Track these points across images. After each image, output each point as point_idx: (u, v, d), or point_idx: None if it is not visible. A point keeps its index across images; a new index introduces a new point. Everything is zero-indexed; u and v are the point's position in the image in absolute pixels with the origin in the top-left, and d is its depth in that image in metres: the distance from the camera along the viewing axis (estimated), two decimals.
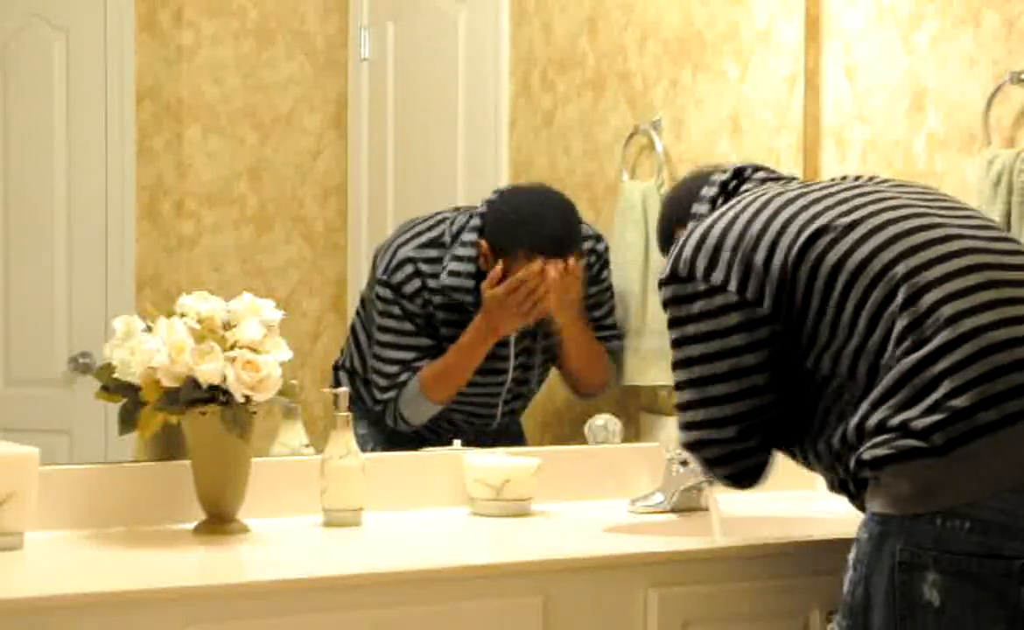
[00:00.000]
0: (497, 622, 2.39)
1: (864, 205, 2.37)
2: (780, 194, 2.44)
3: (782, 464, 2.80)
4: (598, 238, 3.33)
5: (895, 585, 2.18)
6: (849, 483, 2.30)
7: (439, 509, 2.86)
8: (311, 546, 2.57)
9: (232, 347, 2.49)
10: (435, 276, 3.14)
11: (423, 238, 3.17)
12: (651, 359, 3.37)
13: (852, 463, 2.25)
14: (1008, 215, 2.90)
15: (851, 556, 2.26)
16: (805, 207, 2.38)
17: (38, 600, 2.14)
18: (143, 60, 3.10)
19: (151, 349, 2.47)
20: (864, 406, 2.24)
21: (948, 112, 3.13)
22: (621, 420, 3.22)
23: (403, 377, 3.11)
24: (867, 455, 2.21)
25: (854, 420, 2.25)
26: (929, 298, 2.23)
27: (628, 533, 2.73)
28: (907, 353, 2.21)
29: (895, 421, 2.19)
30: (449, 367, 3.15)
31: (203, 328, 2.50)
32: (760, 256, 2.36)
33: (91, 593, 2.17)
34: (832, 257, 2.31)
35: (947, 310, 2.21)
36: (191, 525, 2.59)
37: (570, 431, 3.33)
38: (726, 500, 2.81)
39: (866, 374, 2.27)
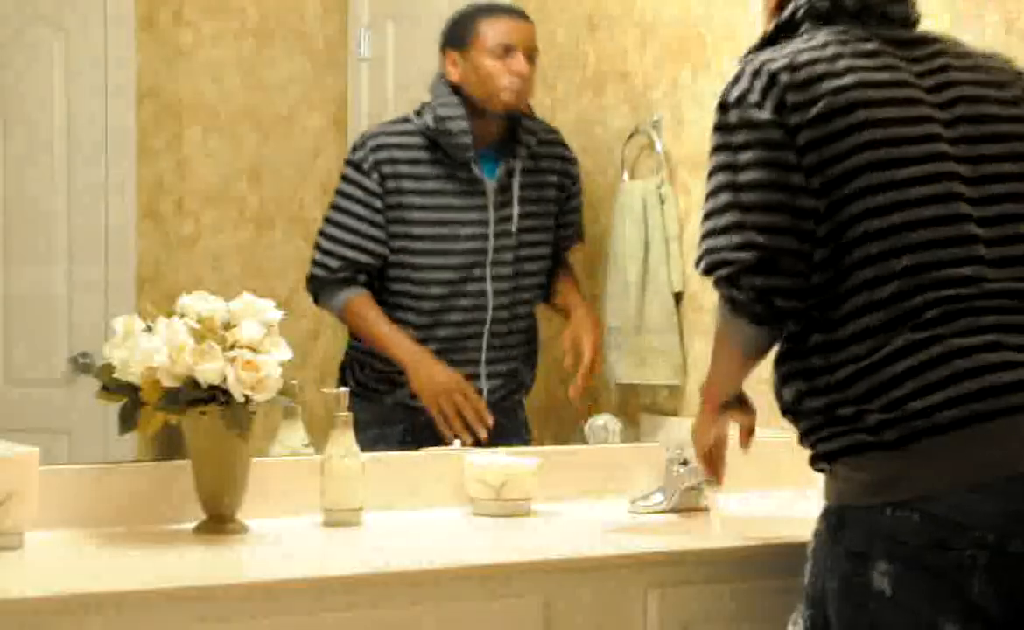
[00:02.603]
0: (497, 622, 2.39)
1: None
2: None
3: (782, 463, 2.80)
4: (573, 161, 3.39)
5: (848, 575, 2.19)
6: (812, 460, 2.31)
7: (439, 509, 2.86)
8: (311, 546, 2.57)
9: (232, 347, 2.49)
10: (400, 147, 3.16)
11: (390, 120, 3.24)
12: (650, 358, 3.38)
13: (808, 447, 2.27)
14: None
15: (809, 548, 2.28)
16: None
17: (38, 600, 2.14)
18: (143, 60, 3.11)
19: (151, 349, 2.47)
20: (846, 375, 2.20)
21: None
22: (621, 420, 3.22)
23: (333, 261, 3.13)
24: (821, 448, 2.23)
25: (818, 402, 2.23)
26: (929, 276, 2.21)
27: (628, 533, 2.73)
28: (872, 351, 2.19)
29: (849, 411, 2.19)
30: (371, 335, 3.18)
31: (203, 328, 2.50)
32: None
33: (91, 593, 2.17)
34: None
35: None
36: (191, 525, 2.59)
37: (570, 431, 3.34)
38: (726, 500, 2.82)
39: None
